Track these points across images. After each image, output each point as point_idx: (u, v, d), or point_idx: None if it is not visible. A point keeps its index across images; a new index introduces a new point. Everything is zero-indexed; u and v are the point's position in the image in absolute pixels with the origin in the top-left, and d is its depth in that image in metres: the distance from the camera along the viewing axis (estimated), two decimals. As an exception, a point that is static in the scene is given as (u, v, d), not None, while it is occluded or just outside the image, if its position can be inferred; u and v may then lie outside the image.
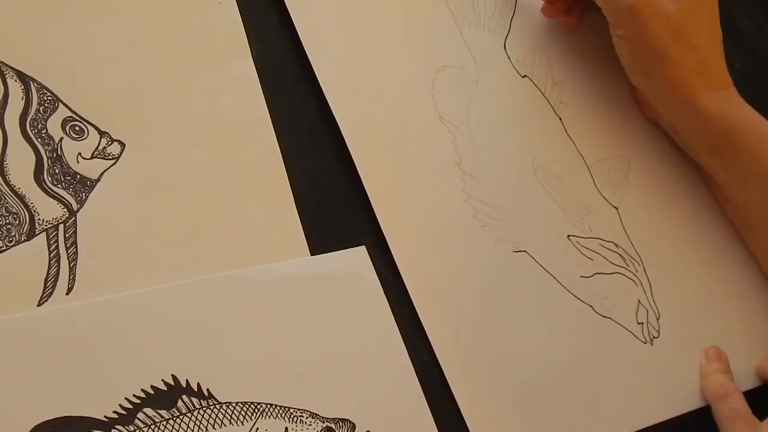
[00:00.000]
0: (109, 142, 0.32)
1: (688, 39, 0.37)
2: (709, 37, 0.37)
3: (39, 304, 0.29)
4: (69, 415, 0.28)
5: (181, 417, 0.29)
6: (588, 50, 0.41)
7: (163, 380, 0.29)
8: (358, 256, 0.33)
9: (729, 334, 0.38)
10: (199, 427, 0.29)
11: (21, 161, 0.30)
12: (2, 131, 0.30)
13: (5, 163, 0.30)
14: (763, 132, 0.37)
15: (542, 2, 0.41)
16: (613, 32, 0.38)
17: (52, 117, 0.31)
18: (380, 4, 0.38)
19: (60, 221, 0.30)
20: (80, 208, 0.30)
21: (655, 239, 0.39)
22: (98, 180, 0.31)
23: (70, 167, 0.31)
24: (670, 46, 0.36)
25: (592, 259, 0.37)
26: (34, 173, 0.30)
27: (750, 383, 0.37)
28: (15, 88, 0.31)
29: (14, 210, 0.30)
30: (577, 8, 0.40)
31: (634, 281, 0.37)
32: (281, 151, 0.34)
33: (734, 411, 0.34)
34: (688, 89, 0.37)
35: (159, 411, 0.29)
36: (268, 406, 0.30)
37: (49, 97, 0.31)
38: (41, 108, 0.31)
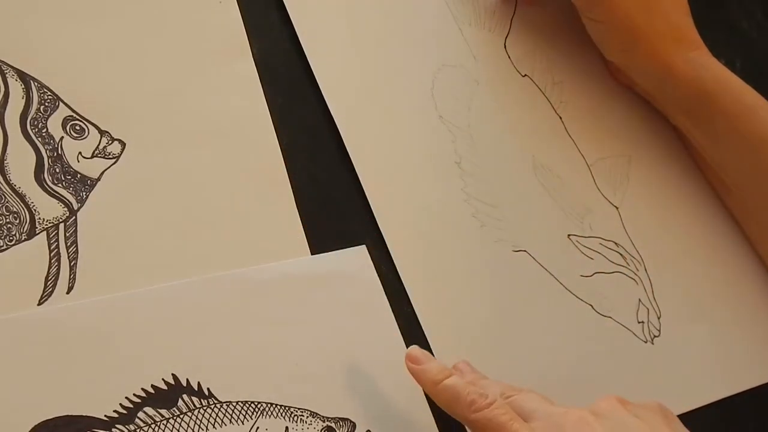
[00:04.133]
0: (110, 142, 0.32)
1: (657, 9, 0.37)
2: (675, 1, 0.38)
3: (39, 303, 0.28)
4: (69, 414, 0.27)
5: (181, 416, 0.28)
6: (588, 50, 0.40)
7: (163, 379, 0.29)
8: (359, 255, 0.33)
9: (730, 332, 0.38)
10: (199, 426, 0.28)
11: (21, 160, 0.30)
12: (3, 130, 0.30)
13: (6, 162, 0.30)
14: (737, 93, 0.37)
15: (543, 3, 0.40)
16: (583, 15, 0.38)
17: (52, 116, 0.31)
18: (380, 4, 0.38)
19: (60, 220, 0.30)
20: (81, 207, 0.30)
21: (656, 238, 0.38)
22: (99, 179, 0.31)
23: (70, 166, 0.31)
24: (641, 20, 0.37)
25: (592, 259, 0.36)
26: (35, 172, 0.30)
27: (752, 381, 0.36)
28: (15, 87, 0.31)
29: (15, 209, 0.29)
30: None
31: (635, 280, 0.37)
32: (282, 151, 0.34)
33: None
34: (662, 57, 0.37)
35: (159, 410, 0.28)
36: (269, 405, 0.30)
37: (50, 97, 0.31)
38: (42, 107, 0.31)
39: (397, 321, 0.32)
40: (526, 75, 0.40)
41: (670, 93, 0.38)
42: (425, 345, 0.32)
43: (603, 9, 0.37)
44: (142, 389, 0.28)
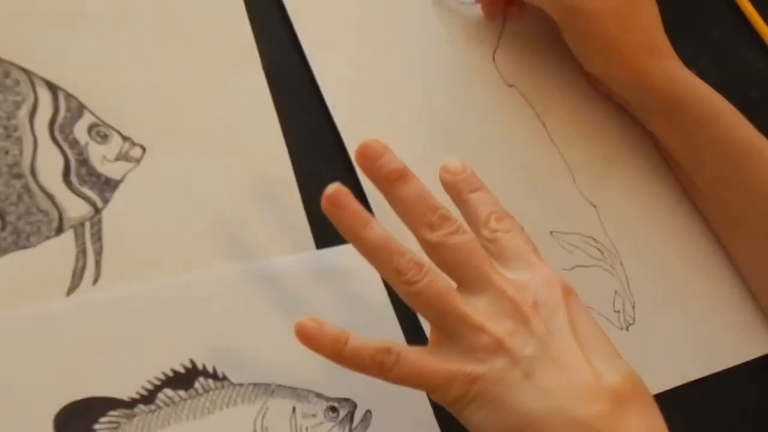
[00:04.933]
0: (131, 146, 0.32)
1: (633, 23, 0.37)
2: (649, 15, 0.37)
3: (68, 294, 0.29)
4: (95, 395, 0.28)
5: (198, 397, 0.29)
6: (569, 62, 0.41)
7: (181, 364, 0.29)
8: None
9: (699, 320, 0.39)
10: (214, 405, 0.29)
11: (50, 163, 0.31)
12: (33, 136, 0.31)
13: (36, 165, 0.30)
14: (707, 101, 0.37)
15: (528, 19, 0.41)
16: (564, 30, 0.38)
17: (78, 123, 0.32)
18: (379, 22, 0.39)
19: (86, 218, 0.30)
20: (105, 206, 0.31)
21: (632, 235, 0.39)
22: (121, 180, 0.31)
23: (95, 169, 0.31)
24: (618, 35, 0.36)
25: (572, 253, 0.37)
26: (63, 174, 0.31)
27: (719, 365, 0.37)
28: (44, 96, 0.31)
29: (44, 208, 0.30)
30: (516, 3, 0.40)
31: (612, 273, 0.38)
32: (289, 154, 0.34)
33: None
34: (638, 68, 0.37)
35: (177, 391, 0.29)
36: (278, 387, 0.30)
37: (76, 105, 0.32)
38: (68, 114, 0.32)
39: (395, 308, 0.33)
40: (512, 85, 0.40)
41: (645, 101, 0.39)
42: (422, 338, 0.33)
43: (582, 25, 0.37)
44: (162, 373, 0.29)
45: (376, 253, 0.27)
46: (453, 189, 0.29)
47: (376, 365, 0.26)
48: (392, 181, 0.28)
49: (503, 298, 0.26)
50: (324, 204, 0.27)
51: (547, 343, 0.26)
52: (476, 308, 0.26)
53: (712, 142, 0.37)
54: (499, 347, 0.26)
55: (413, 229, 0.28)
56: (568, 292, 0.27)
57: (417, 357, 0.26)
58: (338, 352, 0.26)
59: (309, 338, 0.26)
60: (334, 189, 0.27)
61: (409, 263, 0.27)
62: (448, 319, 0.27)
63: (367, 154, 0.28)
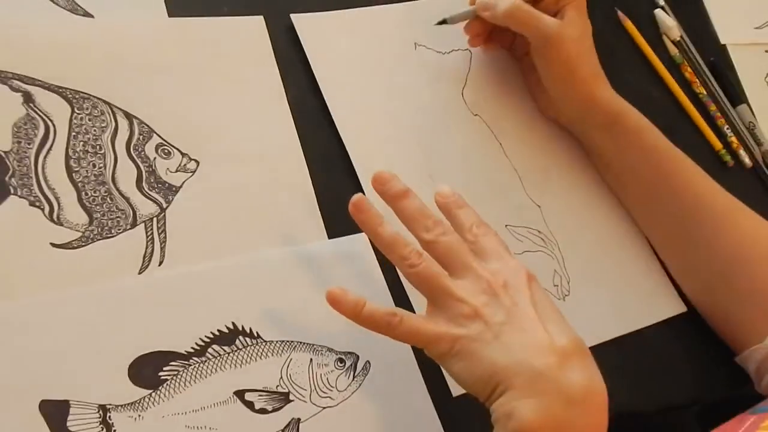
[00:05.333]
0: (188, 161, 0.36)
1: (586, 53, 0.42)
2: (591, 48, 0.42)
3: (139, 273, 0.32)
4: (160, 349, 0.31)
5: (238, 351, 0.32)
6: (521, 96, 0.46)
7: (225, 326, 0.33)
8: (362, 240, 0.37)
9: (620, 291, 0.43)
10: (250, 357, 0.33)
11: (127, 174, 0.34)
12: (114, 153, 0.34)
13: (116, 175, 0.34)
14: (637, 117, 0.43)
15: (491, 63, 0.46)
16: (536, 53, 0.42)
17: (148, 143, 0.35)
18: (378, 67, 0.42)
19: (154, 215, 0.34)
20: (168, 206, 0.34)
21: (567, 227, 0.43)
22: (180, 187, 0.35)
23: (161, 178, 0.35)
24: (576, 60, 0.41)
25: (522, 242, 0.42)
26: (136, 182, 0.34)
27: (637, 325, 0.41)
28: (122, 123, 0.35)
29: (122, 208, 0.34)
30: (493, 39, 0.45)
31: (552, 256, 0.42)
32: (308, 167, 0.38)
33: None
34: (588, 88, 0.42)
35: (223, 347, 0.32)
36: (299, 343, 0.34)
37: (146, 129, 0.35)
38: (141, 137, 0.35)
39: (389, 283, 0.37)
40: (477, 114, 0.44)
41: (590, 117, 0.43)
42: (405, 305, 0.36)
43: (550, 51, 0.41)
44: (211, 332, 0.32)
45: (388, 245, 0.32)
46: (444, 207, 0.34)
47: (385, 324, 0.30)
48: (398, 198, 0.33)
49: (480, 279, 0.31)
50: (350, 208, 0.32)
51: (513, 313, 0.30)
52: (460, 287, 0.31)
53: (642, 149, 0.42)
54: (476, 315, 0.30)
55: (413, 231, 0.32)
56: (530, 278, 0.32)
57: (415, 321, 0.31)
58: (357, 314, 0.31)
59: (336, 302, 0.31)
60: (358, 198, 0.32)
61: (412, 252, 0.31)
62: (438, 294, 0.31)
63: (380, 179, 0.33)
